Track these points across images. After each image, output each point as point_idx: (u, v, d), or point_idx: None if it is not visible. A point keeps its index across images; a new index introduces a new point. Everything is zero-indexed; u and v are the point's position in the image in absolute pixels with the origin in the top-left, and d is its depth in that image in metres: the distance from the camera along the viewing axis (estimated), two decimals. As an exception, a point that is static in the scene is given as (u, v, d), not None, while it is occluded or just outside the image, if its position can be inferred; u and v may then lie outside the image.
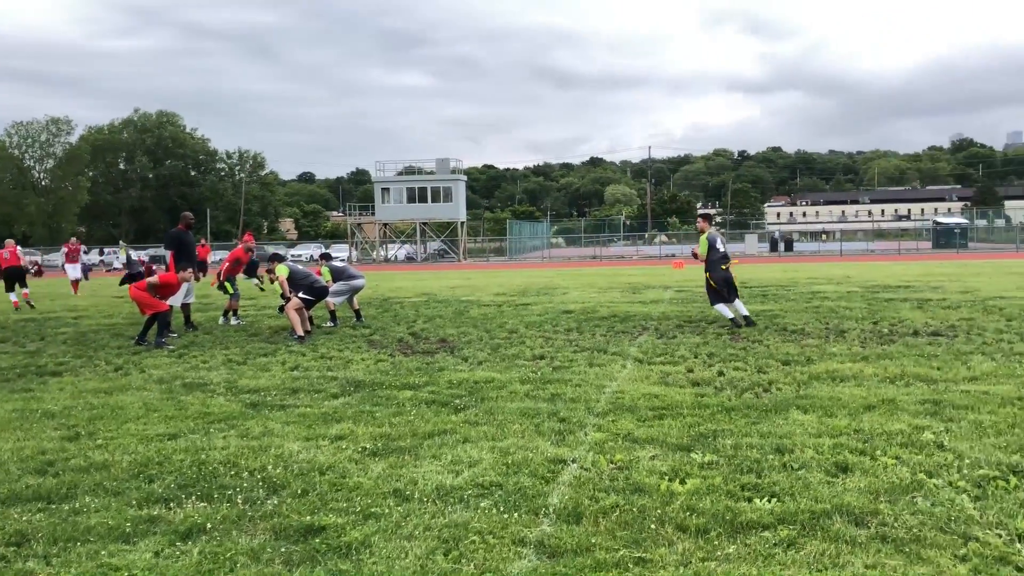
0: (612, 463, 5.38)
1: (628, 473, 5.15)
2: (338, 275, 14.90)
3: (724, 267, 12.64)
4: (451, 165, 67.23)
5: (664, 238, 75.05)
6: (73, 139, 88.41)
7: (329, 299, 14.62)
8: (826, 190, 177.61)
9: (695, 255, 13.12)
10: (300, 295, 12.66)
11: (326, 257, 15.95)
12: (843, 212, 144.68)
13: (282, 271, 13.07)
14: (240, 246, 16.90)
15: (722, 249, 12.82)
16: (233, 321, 15.42)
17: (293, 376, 9.02)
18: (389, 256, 66.42)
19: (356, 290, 15.19)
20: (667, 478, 5.03)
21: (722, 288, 12.67)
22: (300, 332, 12.18)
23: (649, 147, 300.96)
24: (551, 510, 4.54)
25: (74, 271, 26.81)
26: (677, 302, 17.29)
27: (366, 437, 6.22)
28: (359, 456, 5.72)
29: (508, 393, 7.76)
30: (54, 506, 4.81)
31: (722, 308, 12.70)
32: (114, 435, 6.45)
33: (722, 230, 77.53)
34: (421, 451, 5.82)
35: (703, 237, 12.86)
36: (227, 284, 16.23)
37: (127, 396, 8.06)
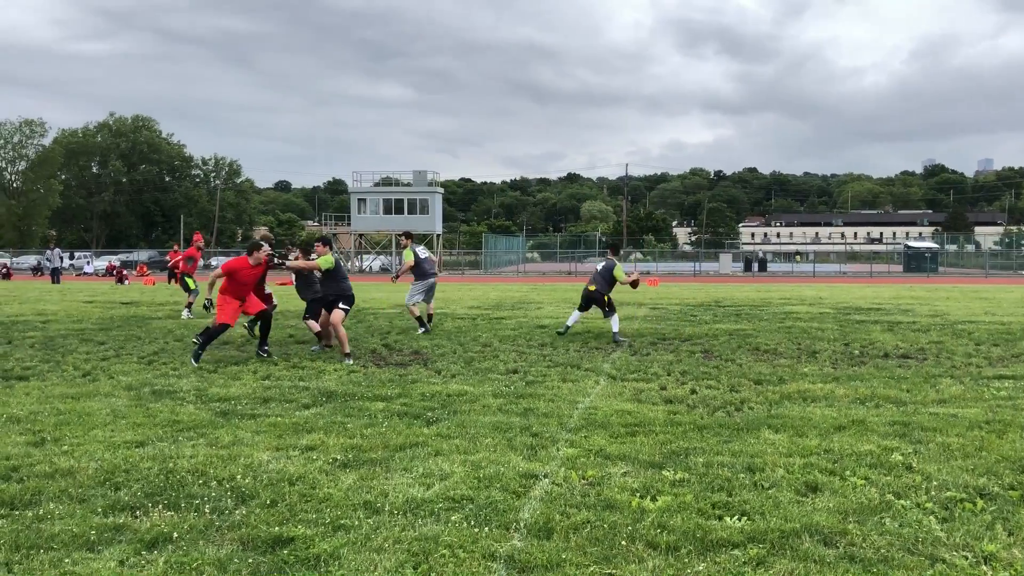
0: (584, 479, 5.37)
1: (600, 489, 5.15)
2: (418, 266, 14.32)
3: (592, 287, 13.88)
4: (428, 177, 67.19)
5: (639, 255, 75.40)
6: (46, 141, 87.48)
7: (409, 302, 14.52)
8: (800, 211, 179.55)
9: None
10: (341, 305, 11.30)
11: (409, 236, 14.89)
12: (816, 234, 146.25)
13: (327, 262, 11.31)
14: (192, 245, 19.12)
15: (599, 269, 14.13)
16: (184, 314, 16.68)
17: (264, 385, 8.94)
18: (364, 267, 66.18)
19: (432, 288, 14.75)
20: (638, 495, 5.03)
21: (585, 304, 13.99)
22: (348, 349, 11.03)
23: (626, 164, 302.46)
24: (522, 525, 4.53)
25: None
26: (651, 319, 17.35)
27: (337, 448, 6.17)
28: (329, 467, 5.67)
29: (481, 407, 7.74)
30: (17, 512, 4.72)
31: (575, 315, 14.29)
32: (81, 441, 6.35)
33: (697, 249, 78.27)
34: (392, 463, 5.78)
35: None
36: (188, 280, 18.51)
37: (95, 402, 7.94)
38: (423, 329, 14.26)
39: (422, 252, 14.71)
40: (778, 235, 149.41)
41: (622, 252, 78.60)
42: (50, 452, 6.03)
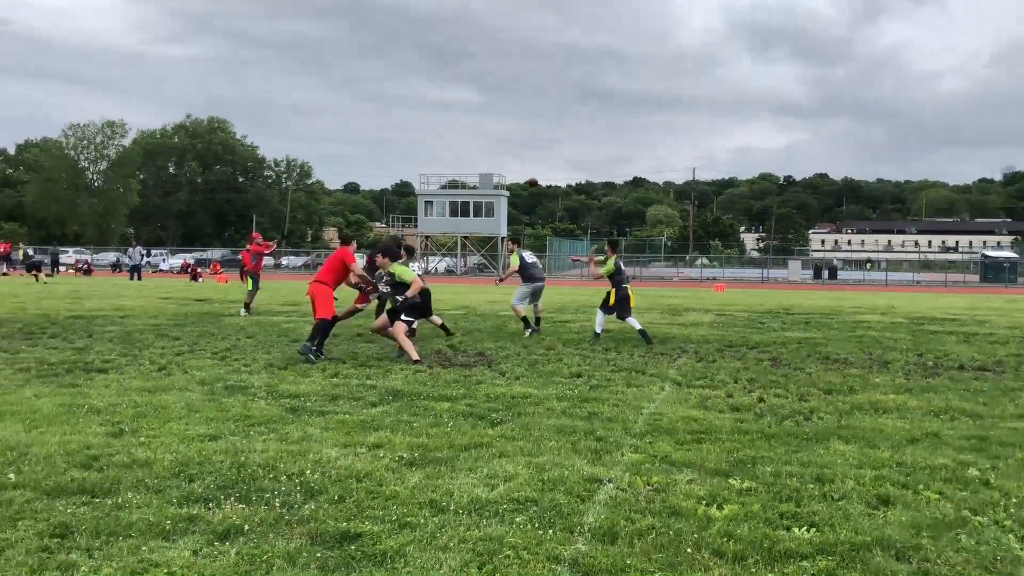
0: (649, 485, 5.34)
1: (665, 496, 5.11)
2: (524, 270, 14.57)
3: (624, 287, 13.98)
4: (494, 180, 67.71)
5: (705, 261, 74.53)
6: (126, 142, 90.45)
7: (515, 303, 14.67)
8: (872, 219, 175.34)
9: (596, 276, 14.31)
10: (403, 317, 11.10)
11: (517, 242, 15.23)
12: (889, 242, 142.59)
13: (408, 274, 11.32)
14: (254, 243, 20.20)
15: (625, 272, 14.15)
16: (242, 312, 17.76)
17: (333, 383, 9.10)
18: (430, 269, 66.79)
19: (538, 292, 14.86)
20: (704, 503, 4.98)
21: (617, 306, 13.92)
22: (416, 356, 10.76)
23: (693, 169, 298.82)
24: (586, 529, 4.52)
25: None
26: (718, 326, 17.14)
27: (403, 446, 6.24)
28: (396, 465, 5.74)
29: (545, 409, 7.75)
30: (97, 500, 4.89)
31: (600, 318, 14.04)
32: (157, 433, 6.55)
33: (765, 255, 77.01)
34: (457, 463, 5.83)
35: (611, 261, 13.93)
36: (251, 278, 19.28)
37: (170, 396, 8.18)
38: (529, 330, 14.31)
39: (529, 256, 14.93)
40: (849, 242, 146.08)
41: (688, 257, 77.94)
42: (128, 443, 6.23)
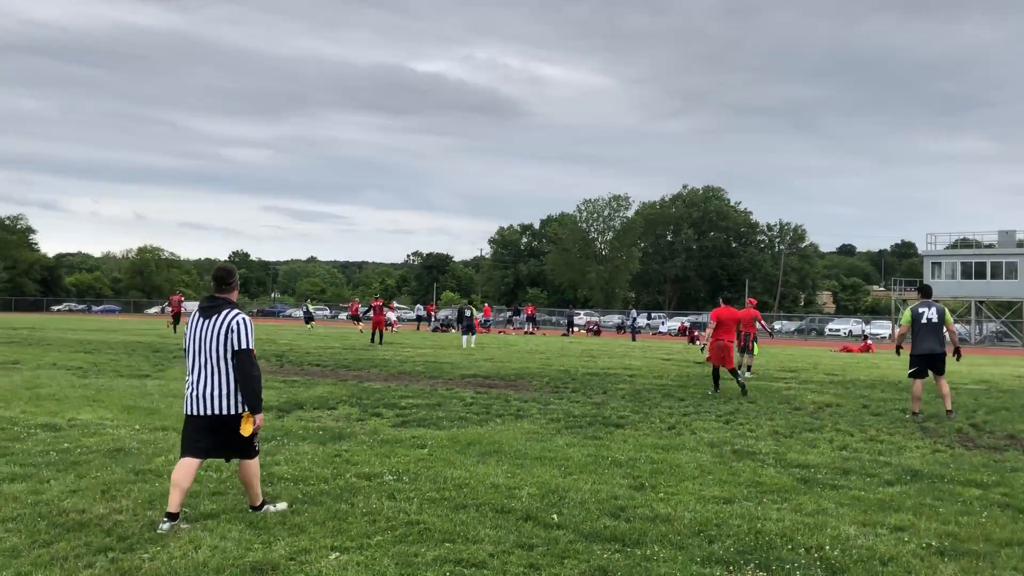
0: None
1: None
2: None
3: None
4: (1016, 238, 60.16)
5: None
6: (630, 213, 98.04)
7: None
8: None
9: None
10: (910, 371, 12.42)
11: None
12: None
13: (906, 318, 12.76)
14: (750, 309, 20.23)
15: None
16: (747, 374, 18.29)
17: (843, 456, 8.74)
18: (937, 336, 60.99)
19: None
20: None
21: None
22: (916, 409, 12.12)
23: None
24: None
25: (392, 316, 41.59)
26: None
27: (929, 533, 5.76)
28: (924, 552, 5.32)
29: (1108, 509, 6.57)
30: (628, 549, 5.29)
31: None
32: (674, 491, 6.90)
33: None
34: (998, 559, 5.21)
35: None
36: (755, 345, 19.79)
37: (682, 455, 8.56)
38: None
39: None
40: None
41: None
42: (649, 497, 6.66)
